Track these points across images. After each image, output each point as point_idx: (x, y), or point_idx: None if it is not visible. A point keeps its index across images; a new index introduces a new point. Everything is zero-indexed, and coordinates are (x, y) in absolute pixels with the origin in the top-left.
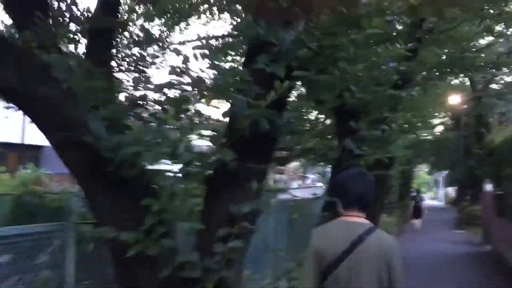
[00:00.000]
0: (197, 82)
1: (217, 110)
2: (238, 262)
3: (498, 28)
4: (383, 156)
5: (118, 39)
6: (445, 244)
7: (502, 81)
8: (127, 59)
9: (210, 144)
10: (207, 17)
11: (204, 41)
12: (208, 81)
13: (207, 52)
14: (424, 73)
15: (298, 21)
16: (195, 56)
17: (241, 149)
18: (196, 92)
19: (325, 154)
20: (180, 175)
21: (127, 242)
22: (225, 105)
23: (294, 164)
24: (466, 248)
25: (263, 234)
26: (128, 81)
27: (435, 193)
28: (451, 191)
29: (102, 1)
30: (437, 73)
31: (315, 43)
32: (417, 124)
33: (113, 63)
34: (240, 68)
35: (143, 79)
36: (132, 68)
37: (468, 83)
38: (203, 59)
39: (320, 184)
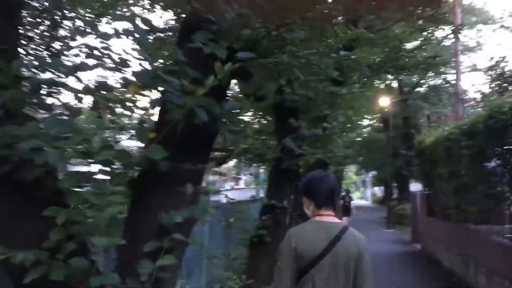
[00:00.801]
0: (120, 64)
1: (144, 99)
2: (170, 282)
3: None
4: (324, 156)
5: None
6: (376, 243)
7: (427, 85)
8: (36, 40)
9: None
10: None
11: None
12: (133, 65)
13: (131, 27)
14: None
15: None
16: (116, 32)
17: (174, 145)
18: (119, 78)
19: (262, 154)
20: (95, 177)
21: (24, 265)
22: (154, 94)
23: (226, 165)
24: (397, 247)
25: (198, 239)
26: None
27: (362, 192)
28: (378, 191)
29: None
30: (372, 73)
31: (261, 22)
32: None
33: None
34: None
35: (51, 59)
36: (43, 50)
37: (396, 86)
38: (127, 37)
39: (253, 185)
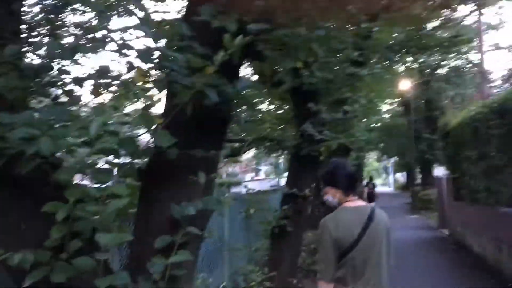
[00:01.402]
0: (123, 47)
1: (149, 83)
2: (185, 279)
3: (447, 11)
4: (346, 141)
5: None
6: (402, 230)
7: (448, 66)
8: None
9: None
10: None
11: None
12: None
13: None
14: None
15: None
16: (116, 8)
17: (183, 131)
18: (124, 63)
19: (281, 141)
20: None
21: (23, 267)
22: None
23: (246, 156)
24: (424, 233)
25: (217, 232)
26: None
27: (384, 179)
28: (401, 177)
29: None
30: (393, 54)
31: None
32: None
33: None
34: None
35: (49, 43)
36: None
37: (416, 68)
38: (130, 16)
39: (273, 176)
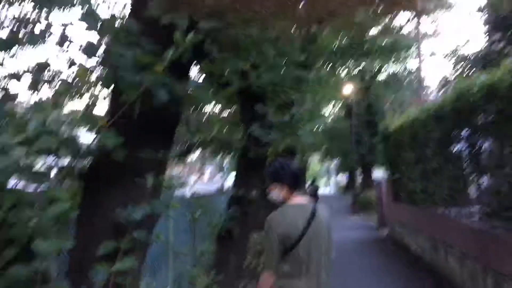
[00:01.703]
0: (65, 41)
1: (92, 79)
2: (131, 286)
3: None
4: (292, 143)
5: None
6: (343, 230)
7: (388, 72)
8: None
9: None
10: None
11: None
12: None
13: None
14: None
15: None
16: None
17: (130, 131)
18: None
19: (227, 143)
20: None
21: None
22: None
23: (190, 157)
24: (364, 233)
25: (161, 235)
26: None
27: (326, 181)
28: (342, 178)
29: None
30: (337, 58)
31: None
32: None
33: None
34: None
35: None
36: None
37: (357, 73)
38: (72, 8)
39: (219, 177)
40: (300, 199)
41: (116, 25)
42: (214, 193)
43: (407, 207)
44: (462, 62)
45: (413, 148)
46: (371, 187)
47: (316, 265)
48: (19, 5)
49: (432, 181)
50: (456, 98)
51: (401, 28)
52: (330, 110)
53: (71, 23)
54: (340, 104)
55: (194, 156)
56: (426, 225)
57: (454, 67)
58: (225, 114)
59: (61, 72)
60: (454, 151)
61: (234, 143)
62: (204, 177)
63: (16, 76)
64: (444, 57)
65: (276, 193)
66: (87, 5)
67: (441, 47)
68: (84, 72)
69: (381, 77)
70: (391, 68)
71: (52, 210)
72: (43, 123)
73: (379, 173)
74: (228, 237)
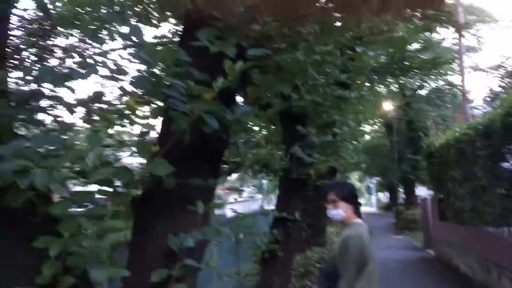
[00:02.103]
0: (116, 72)
1: (144, 110)
2: None
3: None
4: (336, 163)
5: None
6: (387, 250)
7: (429, 87)
8: (26, 51)
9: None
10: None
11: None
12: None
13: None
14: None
15: None
16: (110, 34)
17: (180, 159)
18: (116, 88)
19: (269, 164)
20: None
21: None
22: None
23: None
24: (410, 253)
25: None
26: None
27: (367, 199)
28: (383, 196)
29: None
30: (378, 75)
31: (272, 15)
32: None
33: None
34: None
35: (38, 68)
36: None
37: (396, 90)
38: (123, 40)
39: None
40: (359, 219)
41: (166, 55)
42: (256, 213)
43: (455, 227)
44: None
45: (460, 165)
46: (414, 205)
47: (377, 282)
48: (67, 37)
49: (481, 200)
50: (506, 113)
51: (442, 42)
52: (370, 127)
53: (120, 56)
54: (380, 121)
55: (233, 176)
56: (476, 245)
57: (500, 81)
58: (266, 135)
59: (112, 101)
60: (505, 168)
61: (277, 163)
62: (242, 196)
63: (71, 109)
64: (489, 71)
65: (342, 212)
66: (139, 38)
67: (485, 60)
68: (134, 101)
69: (422, 92)
70: (432, 83)
71: (109, 239)
72: (100, 155)
73: (422, 191)
74: (272, 258)
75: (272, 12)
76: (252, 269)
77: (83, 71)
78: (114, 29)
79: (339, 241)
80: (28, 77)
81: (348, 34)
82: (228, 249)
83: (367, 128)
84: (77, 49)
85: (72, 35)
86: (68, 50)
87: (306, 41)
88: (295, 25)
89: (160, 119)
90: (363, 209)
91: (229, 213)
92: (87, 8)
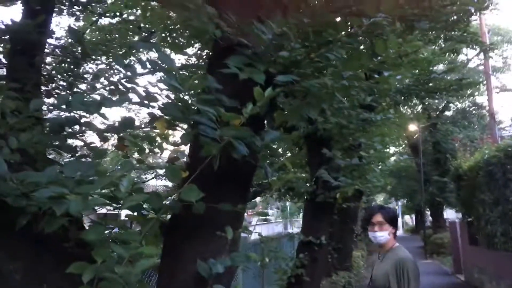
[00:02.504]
0: (147, 99)
1: (173, 136)
2: None
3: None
4: (363, 186)
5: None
6: None
7: (455, 108)
8: (58, 78)
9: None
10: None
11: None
12: (161, 99)
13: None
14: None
15: (275, 14)
16: (141, 62)
17: (210, 185)
18: (146, 113)
19: (294, 187)
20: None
21: None
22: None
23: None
24: (439, 279)
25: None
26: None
27: None
28: (409, 219)
29: (27, 11)
30: (403, 97)
31: (300, 42)
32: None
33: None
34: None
35: (72, 96)
36: (64, 88)
37: (421, 111)
38: (153, 68)
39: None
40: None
41: (195, 83)
42: (281, 236)
43: (486, 252)
44: None
45: (491, 188)
46: (442, 228)
47: None
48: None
49: None
50: None
51: (467, 63)
52: (395, 149)
53: (150, 83)
54: (405, 143)
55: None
56: (509, 270)
57: None
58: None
59: (141, 127)
60: None
61: (302, 187)
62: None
63: (103, 136)
64: None
65: (387, 234)
66: (168, 65)
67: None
68: (163, 125)
69: (448, 113)
70: (458, 104)
71: (141, 265)
72: (132, 182)
73: (450, 214)
74: (298, 283)
75: (300, 38)
76: None
77: (116, 99)
78: (142, 55)
79: (390, 265)
80: (61, 105)
81: (375, 59)
82: (253, 273)
83: (392, 150)
84: (106, 76)
85: (100, 61)
86: (98, 77)
87: (334, 67)
88: (322, 50)
89: (187, 144)
90: None
91: (252, 236)
92: (115, 35)
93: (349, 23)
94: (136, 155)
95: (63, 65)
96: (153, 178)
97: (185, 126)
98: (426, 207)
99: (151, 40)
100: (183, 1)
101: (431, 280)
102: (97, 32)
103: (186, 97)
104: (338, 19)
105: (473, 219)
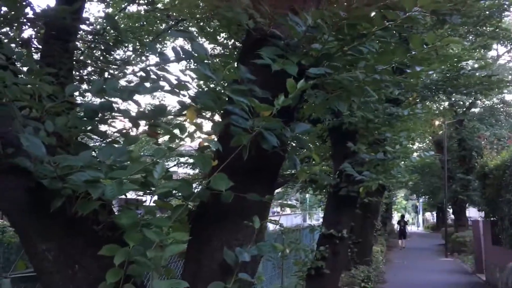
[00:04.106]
0: (179, 87)
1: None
2: None
3: (482, 51)
4: (387, 181)
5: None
6: (435, 274)
7: (482, 105)
8: (89, 64)
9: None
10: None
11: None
12: (192, 87)
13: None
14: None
15: (310, 5)
16: (174, 51)
17: (238, 174)
18: (176, 101)
19: (317, 180)
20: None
21: None
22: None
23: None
24: (459, 278)
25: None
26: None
27: (413, 218)
28: (430, 216)
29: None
30: (431, 93)
31: (334, 34)
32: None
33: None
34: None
35: (106, 82)
36: (96, 74)
37: (447, 107)
38: (186, 57)
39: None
40: None
41: (229, 73)
42: (302, 228)
43: (510, 252)
44: None
45: None
46: (464, 226)
47: None
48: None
49: None
50: None
51: (498, 59)
52: (418, 145)
53: (182, 72)
54: (430, 139)
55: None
56: None
57: None
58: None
59: (172, 114)
60: None
61: (326, 180)
62: (285, 209)
63: (135, 120)
64: None
65: None
66: (201, 53)
67: None
68: (193, 113)
69: (475, 110)
70: (486, 101)
71: (171, 250)
72: (165, 169)
73: (472, 212)
74: (318, 275)
75: (333, 30)
76: (297, 284)
77: (148, 86)
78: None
79: None
80: (96, 90)
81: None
82: (273, 263)
83: (416, 145)
84: (136, 62)
85: (127, 49)
86: (129, 63)
87: (366, 60)
88: (356, 43)
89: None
90: (409, 228)
91: (271, 226)
92: (143, 22)
93: (384, 17)
94: (165, 142)
95: (94, 51)
96: (174, 165)
97: (214, 116)
98: (449, 204)
99: (179, 28)
100: None
101: (452, 278)
102: (125, 20)
103: (218, 87)
104: (373, 12)
105: (497, 218)
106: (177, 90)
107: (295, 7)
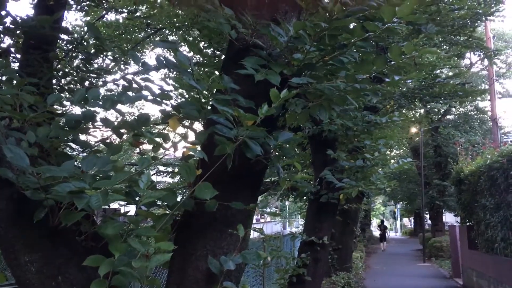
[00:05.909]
0: (161, 97)
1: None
2: None
3: (456, 59)
4: (366, 188)
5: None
6: (413, 279)
7: (457, 113)
8: (69, 73)
9: (170, 180)
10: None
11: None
12: (174, 96)
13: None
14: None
15: (291, 15)
16: (158, 60)
17: (222, 183)
18: (158, 110)
19: (297, 187)
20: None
21: None
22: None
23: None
24: (437, 282)
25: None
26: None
27: (391, 224)
28: (407, 222)
29: (40, 6)
30: (407, 101)
31: (315, 44)
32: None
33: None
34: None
35: (90, 92)
36: (77, 84)
37: (422, 114)
38: (168, 67)
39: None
40: None
41: (211, 83)
42: (283, 235)
43: (486, 256)
44: None
45: (492, 193)
46: (441, 231)
47: None
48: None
49: None
50: None
51: (471, 67)
52: (395, 152)
53: (165, 81)
54: (407, 146)
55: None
56: (508, 276)
57: None
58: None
59: (154, 123)
60: None
61: (307, 187)
62: (264, 217)
63: (119, 132)
64: None
65: None
66: (184, 62)
67: None
68: (176, 123)
69: (450, 117)
70: (460, 107)
71: (156, 260)
72: (150, 179)
73: (449, 217)
74: (299, 283)
75: (315, 41)
76: None
77: (131, 95)
78: (147, 51)
79: None
80: (78, 100)
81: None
82: (254, 271)
83: (393, 152)
84: (117, 72)
85: (106, 57)
86: (110, 73)
87: (346, 70)
88: (337, 53)
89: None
90: (389, 234)
91: (252, 234)
92: (122, 31)
93: (364, 27)
94: (147, 151)
95: (74, 60)
96: (154, 174)
97: (193, 125)
98: (426, 210)
99: (157, 38)
100: (200, 2)
101: (430, 283)
102: (103, 28)
103: (201, 96)
104: (353, 24)
105: (473, 223)
106: (160, 99)
107: (277, 17)
